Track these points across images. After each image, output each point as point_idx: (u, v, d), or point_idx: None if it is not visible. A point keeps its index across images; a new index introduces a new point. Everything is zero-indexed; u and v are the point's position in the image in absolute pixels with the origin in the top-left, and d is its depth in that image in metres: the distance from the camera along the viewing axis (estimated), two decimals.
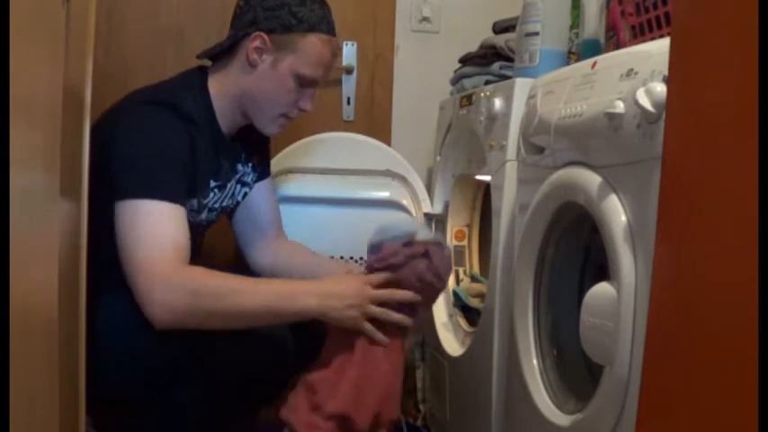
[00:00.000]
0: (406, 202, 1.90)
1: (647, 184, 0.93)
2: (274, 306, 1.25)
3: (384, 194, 1.89)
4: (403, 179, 1.92)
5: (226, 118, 1.44)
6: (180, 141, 1.32)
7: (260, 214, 1.61)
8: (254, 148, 1.57)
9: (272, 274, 1.55)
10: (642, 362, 0.81)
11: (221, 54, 1.43)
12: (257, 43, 1.38)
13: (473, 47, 1.88)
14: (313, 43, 1.39)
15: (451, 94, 1.94)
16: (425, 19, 2.13)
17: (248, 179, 1.58)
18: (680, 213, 0.75)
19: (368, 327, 1.29)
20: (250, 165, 1.57)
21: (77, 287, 1.03)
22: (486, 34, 1.86)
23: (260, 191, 1.61)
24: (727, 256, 0.66)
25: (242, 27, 1.39)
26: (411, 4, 2.12)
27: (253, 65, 1.39)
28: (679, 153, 0.76)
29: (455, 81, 1.92)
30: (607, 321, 0.99)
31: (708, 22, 0.71)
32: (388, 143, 2.06)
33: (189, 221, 1.33)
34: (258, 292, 1.25)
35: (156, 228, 1.23)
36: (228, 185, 1.51)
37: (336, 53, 1.46)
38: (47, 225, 0.89)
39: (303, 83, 1.42)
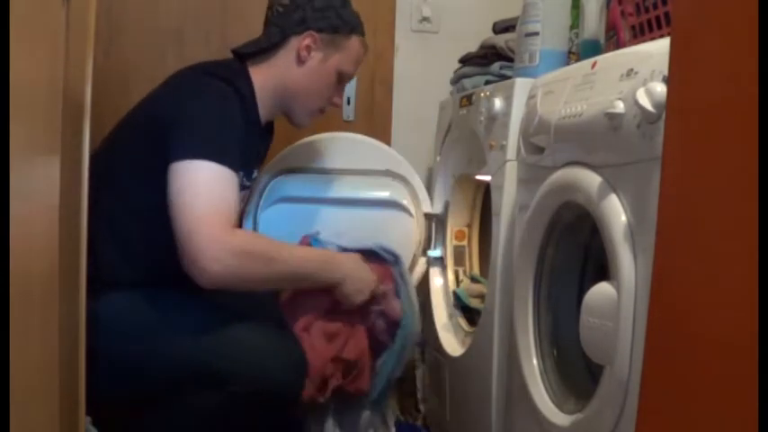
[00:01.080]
0: (406, 202, 1.89)
1: (647, 184, 0.93)
2: (310, 273, 1.42)
3: (384, 194, 1.89)
4: (403, 179, 1.92)
5: (264, 109, 1.51)
6: (237, 114, 1.38)
7: None
8: (265, 144, 1.64)
9: None
10: (642, 362, 0.81)
11: (263, 49, 1.50)
12: (308, 41, 1.48)
13: (473, 47, 1.88)
14: (354, 44, 1.54)
15: (451, 94, 1.94)
16: (425, 19, 2.13)
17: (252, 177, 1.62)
18: (680, 213, 0.75)
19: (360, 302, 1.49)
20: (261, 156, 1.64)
21: (77, 286, 1.03)
22: (486, 34, 1.86)
23: None
24: (727, 255, 0.66)
25: (290, 25, 1.48)
26: (411, 4, 2.12)
27: (302, 60, 1.49)
28: (679, 153, 0.76)
29: (455, 81, 1.92)
30: (607, 321, 0.99)
31: (708, 22, 0.71)
32: (388, 143, 2.06)
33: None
34: (298, 258, 1.41)
35: (217, 189, 1.28)
36: (253, 174, 1.58)
37: (367, 51, 1.61)
38: (47, 224, 0.89)
39: (341, 79, 1.56)
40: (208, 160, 1.27)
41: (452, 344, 1.74)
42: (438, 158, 1.90)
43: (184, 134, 1.30)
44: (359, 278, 1.47)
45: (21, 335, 0.76)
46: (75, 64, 0.98)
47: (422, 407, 1.99)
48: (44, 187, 0.88)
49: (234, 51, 1.52)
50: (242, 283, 1.30)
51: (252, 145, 1.47)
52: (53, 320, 0.90)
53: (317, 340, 1.47)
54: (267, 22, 1.53)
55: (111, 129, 1.47)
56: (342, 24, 1.50)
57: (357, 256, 1.52)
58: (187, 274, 1.25)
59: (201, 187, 1.26)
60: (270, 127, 1.62)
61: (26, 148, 0.80)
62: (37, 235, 0.86)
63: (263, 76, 1.48)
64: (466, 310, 1.79)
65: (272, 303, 1.54)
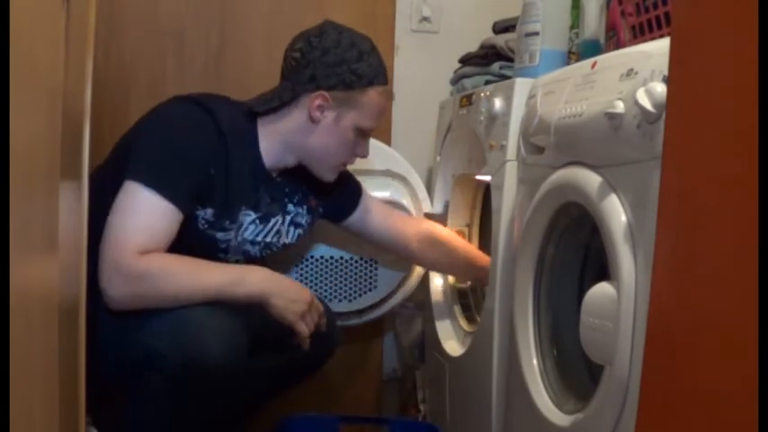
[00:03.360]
0: (406, 202, 1.90)
1: (647, 184, 0.93)
2: (221, 288, 1.30)
3: (384, 194, 1.89)
4: (403, 179, 1.92)
5: (272, 156, 1.46)
6: (205, 146, 1.35)
7: (380, 231, 1.71)
8: (311, 191, 1.57)
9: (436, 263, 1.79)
10: (642, 362, 0.81)
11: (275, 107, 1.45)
12: (319, 101, 1.41)
13: (473, 47, 1.88)
14: (372, 97, 1.44)
15: (451, 94, 1.94)
16: (425, 19, 2.13)
17: (302, 221, 1.58)
18: (680, 213, 0.75)
19: (302, 328, 1.36)
20: (305, 207, 1.57)
21: (78, 285, 1.03)
22: (486, 34, 1.86)
23: (360, 216, 1.67)
24: (726, 255, 0.66)
25: (300, 82, 1.42)
26: (411, 4, 2.12)
27: (315, 121, 1.43)
28: (679, 153, 0.76)
29: (455, 81, 1.92)
30: (607, 321, 0.99)
31: (708, 22, 0.71)
32: (388, 143, 2.06)
33: (215, 239, 1.39)
34: (204, 273, 1.30)
35: (143, 219, 1.26)
36: (273, 221, 1.51)
37: (392, 98, 1.53)
38: (47, 225, 0.89)
39: (362, 134, 1.47)
40: (148, 187, 1.26)
41: (452, 344, 1.74)
42: (438, 158, 1.90)
43: (137, 156, 1.30)
44: (284, 291, 1.35)
45: (21, 335, 0.76)
46: (75, 64, 0.98)
47: (422, 407, 1.99)
48: (44, 187, 0.88)
49: (249, 107, 1.46)
50: (135, 304, 1.27)
51: (242, 187, 1.42)
52: (53, 320, 0.90)
53: None
54: (282, 74, 1.47)
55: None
56: (356, 80, 1.41)
57: (276, 275, 1.39)
58: None
59: (129, 212, 1.26)
60: (297, 172, 1.53)
61: (26, 147, 0.80)
62: (38, 236, 0.86)
63: (272, 129, 1.44)
64: (466, 308, 1.79)
65: None
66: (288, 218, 1.54)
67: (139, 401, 1.28)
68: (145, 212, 1.27)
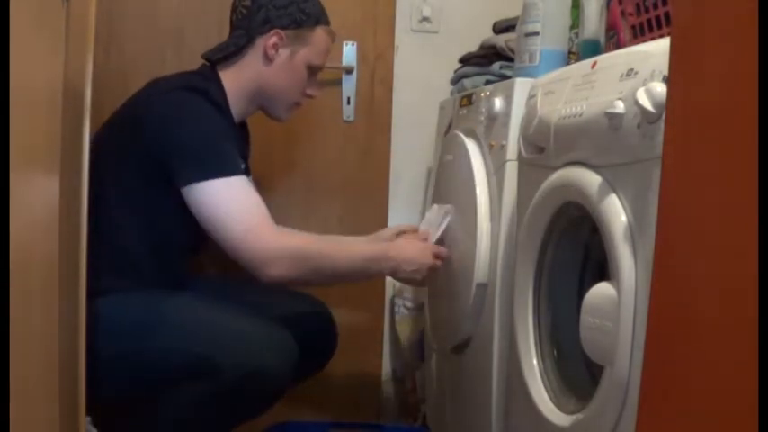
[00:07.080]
0: None
1: (647, 184, 0.93)
2: (360, 269, 1.50)
3: None
4: None
5: (237, 110, 1.53)
6: (221, 122, 1.43)
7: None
8: (245, 144, 1.66)
9: None
10: (642, 362, 0.81)
11: (232, 53, 1.52)
12: (275, 40, 1.50)
13: (473, 47, 1.88)
14: (320, 35, 1.55)
15: (451, 94, 1.94)
16: (425, 19, 2.13)
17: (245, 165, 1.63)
18: (680, 213, 0.75)
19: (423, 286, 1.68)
20: (245, 151, 1.64)
21: (77, 286, 1.03)
22: (486, 34, 1.85)
23: None
24: (727, 255, 0.66)
25: (255, 26, 1.50)
26: (411, 4, 2.12)
27: (270, 59, 1.51)
28: (679, 153, 0.76)
29: (455, 81, 1.91)
30: (607, 321, 0.99)
31: (708, 22, 0.71)
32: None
33: None
34: (350, 256, 1.48)
35: (242, 201, 1.35)
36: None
37: (335, 38, 1.62)
38: (47, 225, 0.89)
39: (312, 71, 1.58)
40: (221, 177, 1.33)
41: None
42: (438, 158, 1.90)
43: (185, 159, 1.34)
44: (410, 262, 1.51)
45: (21, 335, 0.76)
46: (75, 64, 0.98)
47: (422, 407, 1.99)
48: (44, 187, 0.88)
49: (205, 57, 1.55)
50: (300, 283, 1.43)
51: (238, 146, 1.50)
52: (53, 320, 0.90)
53: None
54: (232, 25, 1.55)
55: (98, 133, 1.45)
56: (305, 18, 1.52)
57: (405, 241, 1.57)
58: (176, 272, 1.29)
59: (229, 204, 1.33)
60: (244, 126, 1.64)
61: (26, 147, 0.80)
62: (37, 236, 0.86)
63: (235, 80, 1.51)
64: None
65: (262, 294, 1.56)
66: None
67: (173, 408, 1.29)
68: (239, 195, 1.35)
